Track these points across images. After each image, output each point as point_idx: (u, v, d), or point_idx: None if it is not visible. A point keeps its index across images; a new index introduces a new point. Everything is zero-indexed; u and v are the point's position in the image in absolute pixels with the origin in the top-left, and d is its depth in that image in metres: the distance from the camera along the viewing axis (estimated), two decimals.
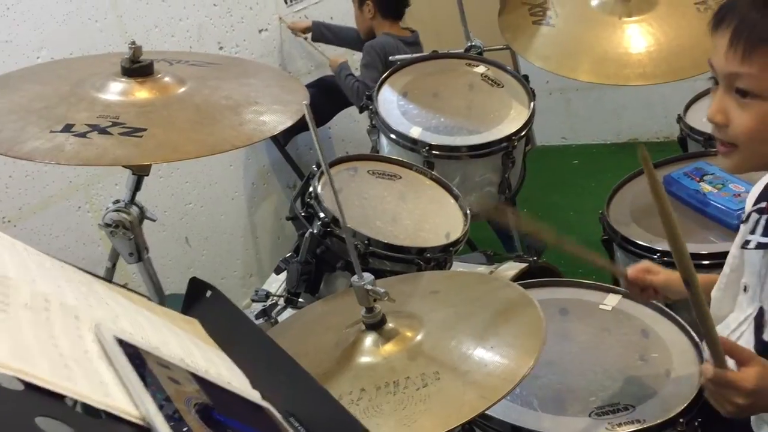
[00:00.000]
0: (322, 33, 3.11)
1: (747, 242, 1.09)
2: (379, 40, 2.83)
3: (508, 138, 2.04)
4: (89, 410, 0.55)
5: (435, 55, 2.33)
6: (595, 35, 1.92)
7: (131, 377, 0.60)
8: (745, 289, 1.13)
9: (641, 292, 1.33)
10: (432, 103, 2.16)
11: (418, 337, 1.17)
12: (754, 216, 1.10)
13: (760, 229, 1.07)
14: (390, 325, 1.19)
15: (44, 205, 2.41)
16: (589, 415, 1.22)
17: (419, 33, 2.99)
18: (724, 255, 1.53)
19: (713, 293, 1.19)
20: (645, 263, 1.35)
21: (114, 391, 0.57)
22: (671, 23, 1.88)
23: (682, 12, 1.91)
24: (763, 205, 1.10)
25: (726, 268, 1.17)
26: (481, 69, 2.25)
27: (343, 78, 2.89)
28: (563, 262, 2.44)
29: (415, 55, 2.38)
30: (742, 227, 1.14)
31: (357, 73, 2.93)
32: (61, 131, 1.15)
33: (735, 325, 1.14)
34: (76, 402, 0.55)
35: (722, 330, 1.17)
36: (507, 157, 2.06)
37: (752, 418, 1.15)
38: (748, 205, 1.16)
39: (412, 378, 1.07)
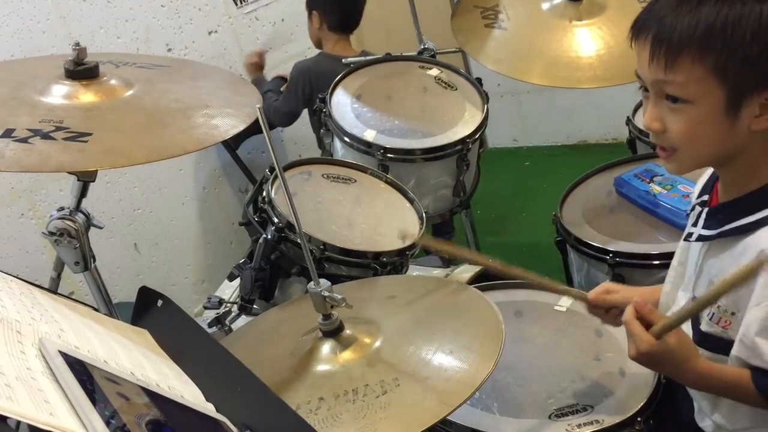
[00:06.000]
0: (260, 84, 2.93)
1: (690, 234, 1.11)
2: (307, 62, 2.76)
3: (462, 141, 2.04)
4: (34, 431, 0.52)
5: (388, 58, 2.32)
6: (546, 39, 1.94)
7: (77, 394, 0.57)
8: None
9: (606, 313, 1.27)
10: (386, 106, 2.15)
11: (377, 344, 1.16)
12: (697, 209, 1.13)
13: (701, 221, 1.09)
14: (347, 331, 1.17)
15: None
16: (549, 417, 1.23)
17: (372, 37, 2.93)
18: (674, 254, 1.57)
19: (664, 287, 1.21)
20: (603, 284, 1.30)
21: (59, 410, 0.55)
22: (620, 26, 1.91)
23: (630, 16, 1.93)
24: (705, 198, 1.12)
25: (674, 261, 1.19)
26: (434, 72, 2.25)
27: (262, 93, 2.75)
28: (517, 262, 2.45)
29: (368, 58, 2.37)
30: (689, 219, 1.16)
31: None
32: (1, 136, 1.11)
33: None
34: (19, 423, 0.53)
35: None
36: (461, 160, 2.06)
37: (695, 410, 1.17)
38: (693, 197, 1.18)
39: (371, 385, 1.06)
